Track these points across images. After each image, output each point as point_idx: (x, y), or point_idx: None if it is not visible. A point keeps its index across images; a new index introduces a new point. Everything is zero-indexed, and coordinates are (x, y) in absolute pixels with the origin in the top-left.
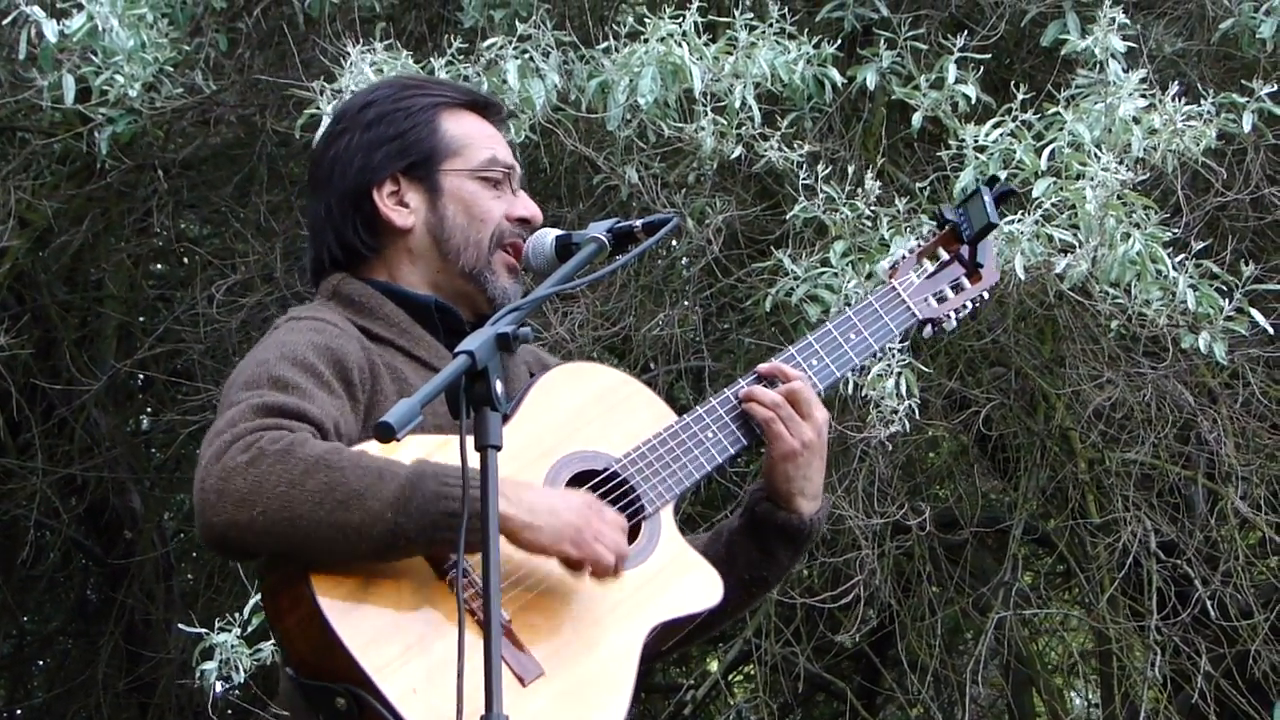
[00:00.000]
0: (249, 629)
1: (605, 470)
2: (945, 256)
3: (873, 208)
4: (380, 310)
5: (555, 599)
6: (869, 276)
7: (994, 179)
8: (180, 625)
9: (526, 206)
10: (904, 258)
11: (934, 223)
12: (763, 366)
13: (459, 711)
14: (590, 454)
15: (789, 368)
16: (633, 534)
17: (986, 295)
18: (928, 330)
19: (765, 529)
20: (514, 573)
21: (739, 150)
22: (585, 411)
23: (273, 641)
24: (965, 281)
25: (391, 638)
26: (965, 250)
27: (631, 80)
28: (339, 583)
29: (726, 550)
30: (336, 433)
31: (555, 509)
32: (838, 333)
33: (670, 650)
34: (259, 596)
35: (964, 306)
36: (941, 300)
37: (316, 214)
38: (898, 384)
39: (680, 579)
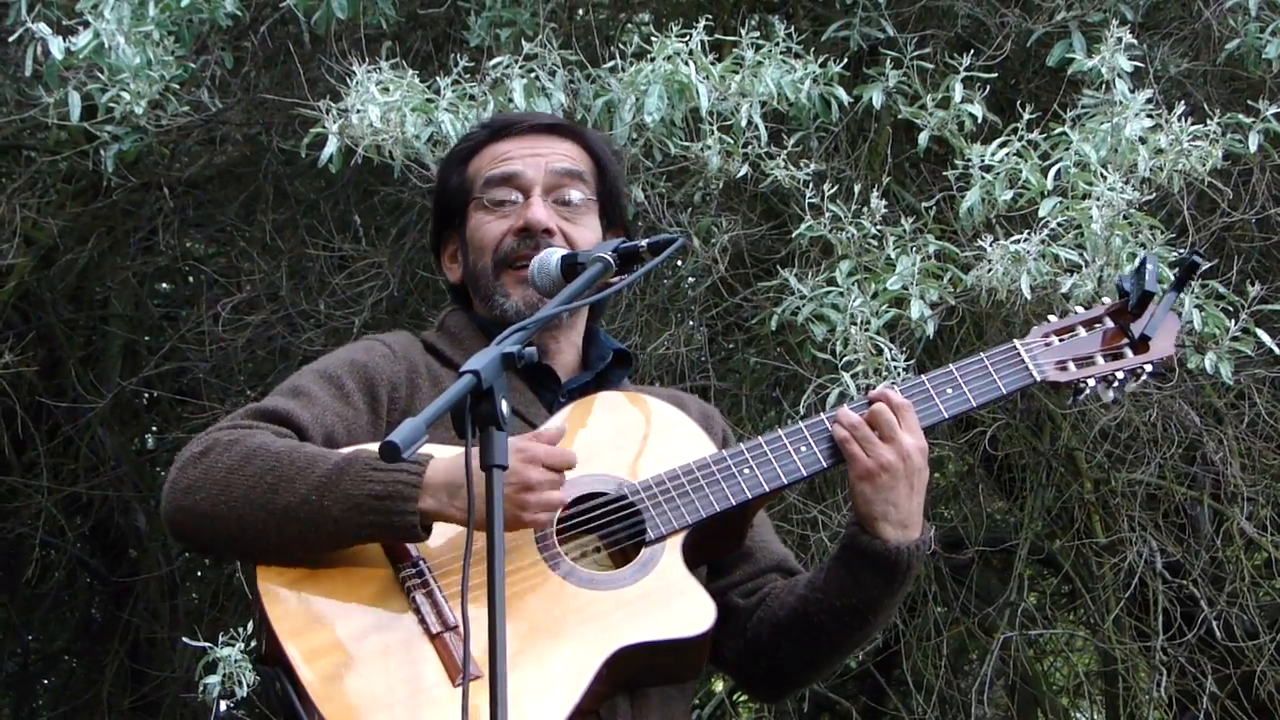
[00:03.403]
0: (252, 643)
1: (614, 492)
2: (1111, 325)
3: (878, 227)
4: (466, 342)
5: (523, 605)
6: (875, 296)
7: (1194, 260)
8: (185, 639)
9: (523, 214)
10: (1049, 320)
11: (940, 241)
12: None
13: (463, 708)
14: (606, 477)
15: (893, 391)
16: (630, 556)
17: (1150, 368)
18: (1071, 399)
19: (851, 554)
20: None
21: (745, 169)
22: (619, 436)
23: None
24: (1128, 352)
25: (324, 626)
26: (1135, 322)
27: (637, 99)
28: (283, 571)
29: (825, 577)
30: (330, 440)
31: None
32: (930, 385)
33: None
34: None
35: (1114, 377)
36: (1085, 365)
37: None
38: None
39: (665, 605)
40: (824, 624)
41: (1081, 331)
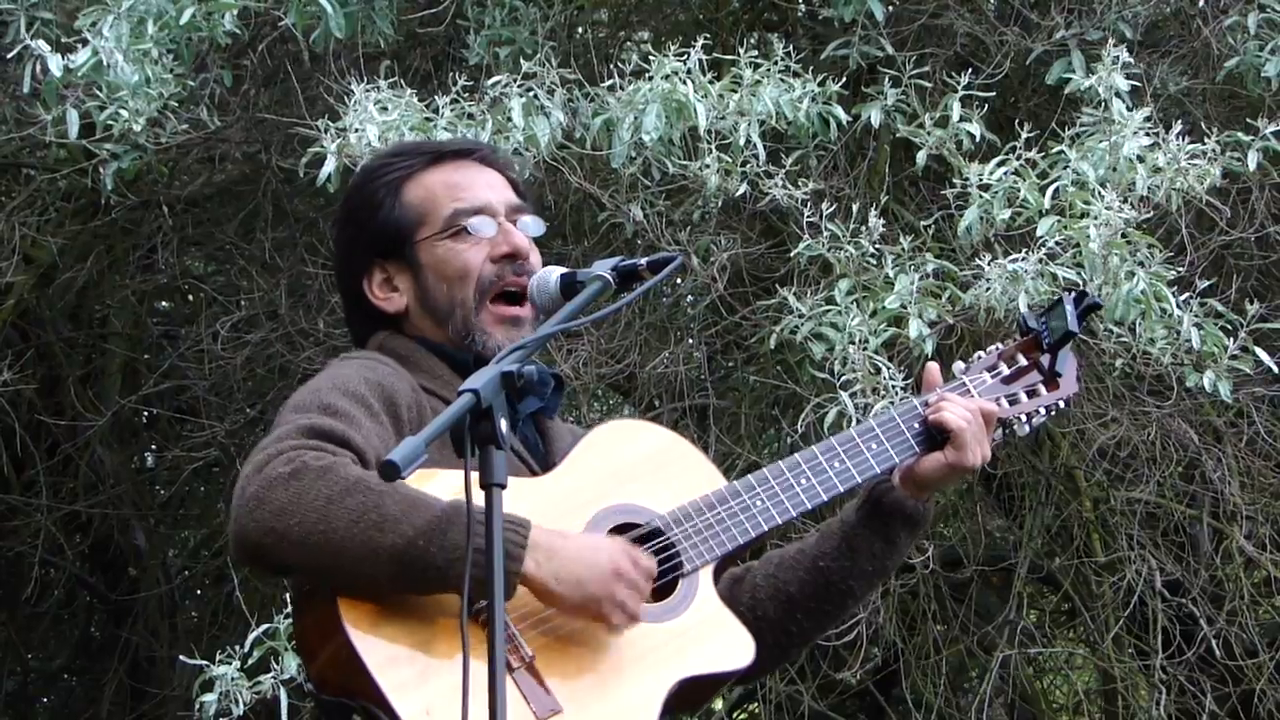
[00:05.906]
0: (249, 661)
1: (647, 524)
2: (1024, 362)
3: (877, 246)
4: (424, 364)
5: (583, 641)
6: (874, 315)
7: (1083, 293)
8: (182, 658)
9: (509, 240)
10: (979, 357)
11: (938, 260)
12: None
13: None
14: (634, 507)
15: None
16: (669, 589)
17: (1063, 404)
18: (999, 433)
19: (894, 518)
20: (545, 609)
21: (744, 188)
22: (635, 468)
23: (273, 674)
24: (1042, 389)
25: (410, 660)
26: (1045, 358)
27: (636, 118)
28: (362, 604)
29: (847, 546)
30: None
31: (581, 580)
32: (901, 420)
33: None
34: (287, 614)
35: (1037, 412)
36: (1014, 402)
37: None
38: None
39: (711, 638)
40: (852, 588)
41: (1004, 368)
